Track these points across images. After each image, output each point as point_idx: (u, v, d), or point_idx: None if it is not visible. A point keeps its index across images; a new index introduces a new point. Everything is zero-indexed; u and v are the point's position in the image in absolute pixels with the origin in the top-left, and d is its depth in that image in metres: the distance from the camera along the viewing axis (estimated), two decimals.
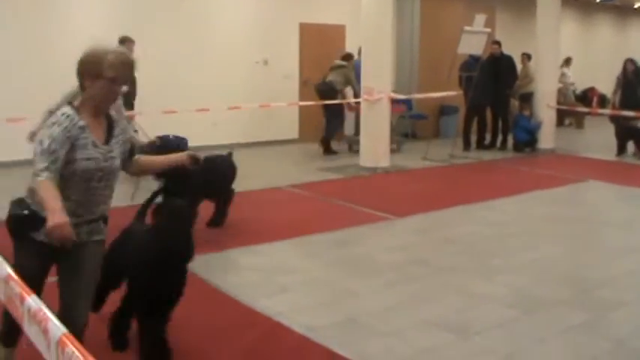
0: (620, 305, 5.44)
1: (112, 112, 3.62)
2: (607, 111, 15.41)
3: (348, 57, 13.18)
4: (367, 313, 5.17)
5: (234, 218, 7.54)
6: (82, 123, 3.36)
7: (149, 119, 9.89)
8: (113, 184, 3.58)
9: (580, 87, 21.50)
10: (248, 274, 6.07)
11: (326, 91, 12.62)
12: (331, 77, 12.76)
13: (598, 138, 15.70)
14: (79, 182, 3.37)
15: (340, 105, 12.88)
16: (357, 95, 12.52)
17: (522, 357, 4.49)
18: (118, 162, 3.54)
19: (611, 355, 4.55)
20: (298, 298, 5.51)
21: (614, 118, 13.89)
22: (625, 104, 14.58)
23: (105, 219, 3.62)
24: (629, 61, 14.86)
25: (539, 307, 5.36)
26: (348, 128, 13.86)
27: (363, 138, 11.44)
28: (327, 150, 12.74)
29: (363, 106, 11.40)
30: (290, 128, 14.11)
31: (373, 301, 5.45)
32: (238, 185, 7.72)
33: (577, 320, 5.10)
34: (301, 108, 13.79)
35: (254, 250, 6.75)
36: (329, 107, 12.60)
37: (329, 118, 12.84)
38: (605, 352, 4.57)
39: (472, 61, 13.39)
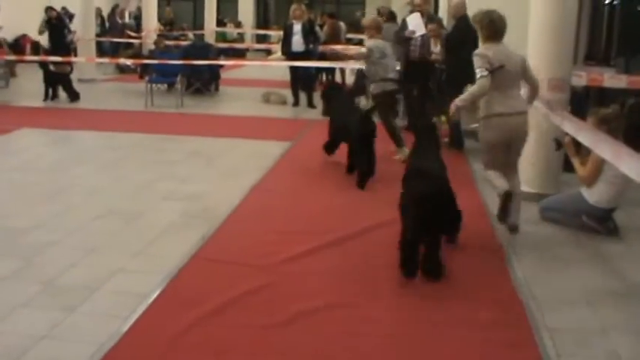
0: (48, 247, 5.64)
1: None
2: (36, 57, 15.50)
3: None
4: None
5: None
6: None
7: None
8: None
9: (11, 35, 21.14)
10: None
11: None
12: None
13: (32, 85, 15.68)
14: None
15: None
16: None
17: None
18: None
19: (39, 296, 4.71)
20: None
21: (42, 64, 14.00)
22: (54, 49, 14.90)
23: None
24: (50, 8, 15.22)
25: None
26: None
27: None
28: None
29: None
30: None
31: None
32: None
33: (6, 270, 5.15)
34: None
35: None
36: None
37: None
38: (35, 295, 4.71)
39: None
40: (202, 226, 6.17)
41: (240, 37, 29.24)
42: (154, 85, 14.00)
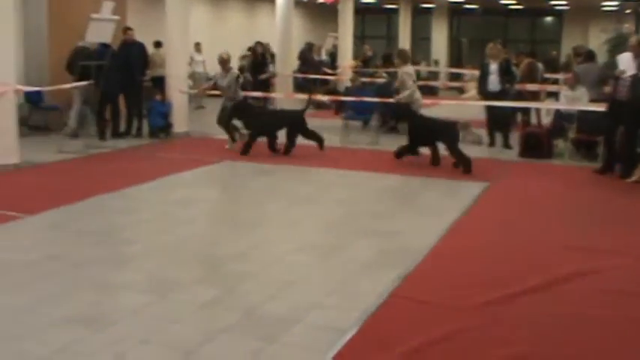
0: (247, 277, 5.83)
1: None
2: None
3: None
4: None
5: None
6: None
7: None
8: None
9: (212, 70, 22.30)
10: None
11: None
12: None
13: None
14: None
15: None
16: None
17: (157, 339, 4.62)
18: None
19: (240, 324, 4.87)
20: None
21: None
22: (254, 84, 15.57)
23: None
24: (259, 44, 15.96)
25: (173, 289, 5.54)
26: None
27: None
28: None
29: None
30: None
31: (4, 304, 5.21)
32: None
33: (208, 296, 5.37)
34: None
35: None
36: None
37: None
38: (235, 323, 4.88)
39: (102, 50, 13.23)
40: (399, 265, 6.14)
41: (433, 76, 29.29)
42: (349, 121, 14.27)
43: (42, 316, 4.97)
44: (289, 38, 18.70)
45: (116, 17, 13.20)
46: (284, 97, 16.84)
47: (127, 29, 14.01)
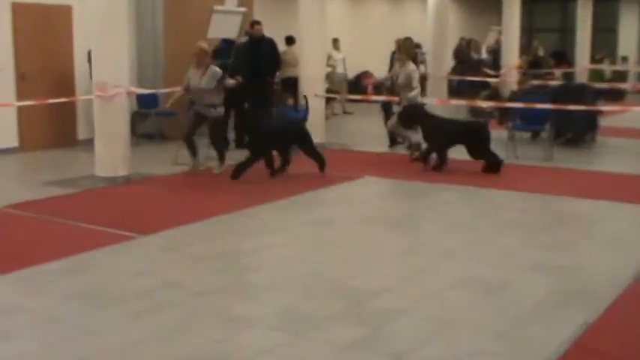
0: (397, 315, 5.81)
1: None
2: (381, 97, 16.28)
3: None
4: (107, 351, 5.12)
5: None
6: None
7: None
8: None
9: (352, 71, 22.51)
10: None
11: None
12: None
13: (371, 127, 16.51)
14: None
15: None
16: None
17: None
18: None
19: None
20: (22, 344, 5.33)
21: (384, 107, 14.65)
22: None
23: None
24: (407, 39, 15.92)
25: (310, 327, 5.58)
26: None
27: (97, 142, 11.18)
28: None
29: (95, 105, 11.20)
30: (6, 135, 13.46)
31: (114, 337, 5.40)
32: None
33: (352, 337, 5.37)
34: (20, 109, 13.22)
35: None
36: None
37: None
38: None
39: (226, 47, 13.52)
40: (580, 308, 5.96)
41: (619, 76, 28.44)
42: (516, 132, 14.06)
43: (156, 352, 5.13)
44: (443, 34, 18.64)
45: (242, 9, 13.48)
46: (437, 102, 16.74)
47: (254, 23, 14.15)
